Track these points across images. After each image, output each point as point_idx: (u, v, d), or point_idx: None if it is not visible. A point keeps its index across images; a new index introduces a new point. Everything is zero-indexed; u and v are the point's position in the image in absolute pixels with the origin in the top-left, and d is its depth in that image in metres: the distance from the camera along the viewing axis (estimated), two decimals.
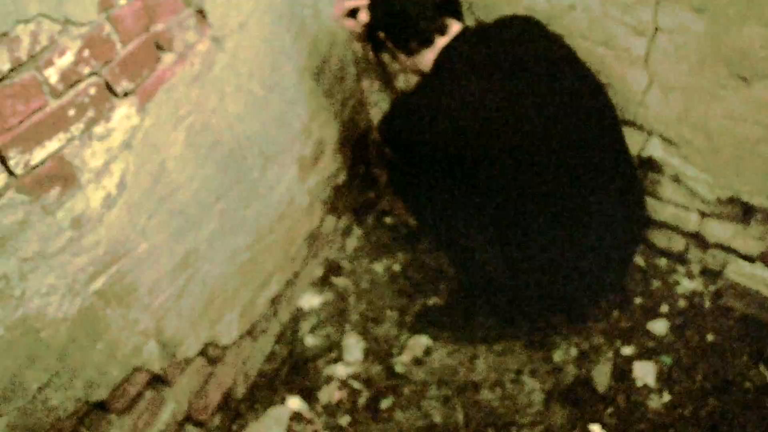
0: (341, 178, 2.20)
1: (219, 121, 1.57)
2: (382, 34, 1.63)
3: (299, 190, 1.98)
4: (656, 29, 1.64)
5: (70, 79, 1.18)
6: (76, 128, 1.21)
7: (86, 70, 1.21)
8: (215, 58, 1.52)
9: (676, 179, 1.86)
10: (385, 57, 1.80)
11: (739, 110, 1.63)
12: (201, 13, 1.46)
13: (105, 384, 1.41)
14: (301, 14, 1.79)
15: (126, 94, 1.31)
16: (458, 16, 1.63)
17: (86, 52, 1.20)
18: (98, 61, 1.23)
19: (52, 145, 1.17)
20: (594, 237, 1.58)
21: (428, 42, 1.58)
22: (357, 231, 2.33)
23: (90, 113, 1.24)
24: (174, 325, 1.58)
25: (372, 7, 1.61)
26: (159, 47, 1.38)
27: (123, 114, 1.31)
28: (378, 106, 1.80)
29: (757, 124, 1.62)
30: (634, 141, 1.85)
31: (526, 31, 1.62)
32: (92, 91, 1.23)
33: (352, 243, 2.30)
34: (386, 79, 1.83)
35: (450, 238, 1.69)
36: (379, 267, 2.20)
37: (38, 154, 1.15)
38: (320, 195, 2.11)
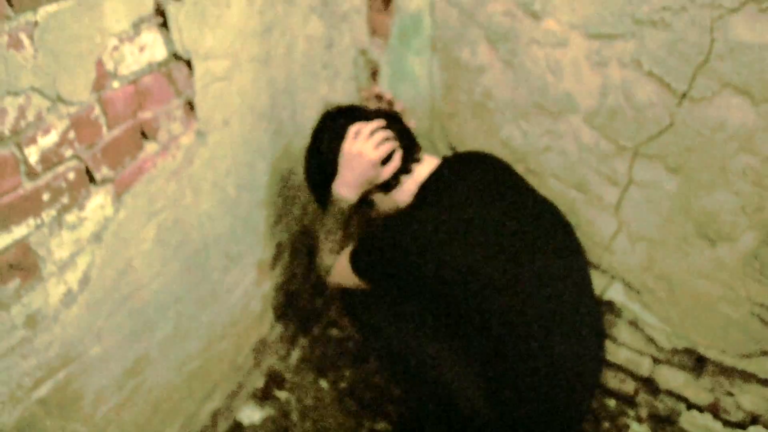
0: (295, 284, 2.10)
1: (190, 218, 1.48)
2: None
3: (255, 294, 1.87)
4: (630, 181, 1.70)
5: (51, 161, 1.08)
6: (47, 215, 1.09)
7: (68, 153, 1.11)
8: (197, 152, 1.45)
9: (634, 324, 1.88)
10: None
11: (703, 268, 1.67)
12: (190, 104, 1.40)
13: None
14: (279, 115, 1.75)
15: (104, 182, 1.21)
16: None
17: (72, 134, 1.11)
18: (82, 144, 1.13)
19: (19, 231, 1.05)
20: (558, 377, 1.53)
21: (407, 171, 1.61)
22: (302, 341, 2.21)
23: (64, 199, 1.12)
24: None
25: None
26: (144, 135, 1.30)
27: (98, 203, 1.20)
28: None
29: (719, 283, 1.66)
30: (596, 284, 1.87)
31: (500, 167, 1.66)
32: (71, 175, 1.13)
33: (296, 354, 2.17)
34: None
35: (418, 372, 1.55)
36: (324, 383, 2.07)
37: (3, 240, 1.02)
38: (272, 301, 2.00)
